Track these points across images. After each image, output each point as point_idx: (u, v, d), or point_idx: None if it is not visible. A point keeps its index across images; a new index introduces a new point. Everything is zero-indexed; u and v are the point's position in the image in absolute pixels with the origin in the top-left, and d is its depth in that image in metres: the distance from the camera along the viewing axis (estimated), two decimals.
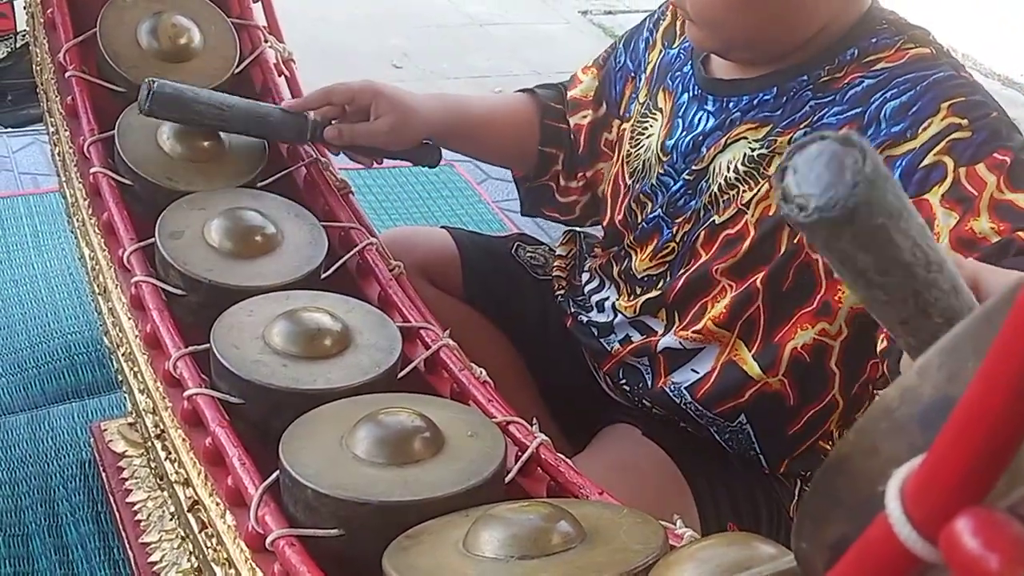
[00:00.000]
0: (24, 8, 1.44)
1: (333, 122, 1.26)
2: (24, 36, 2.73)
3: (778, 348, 1.12)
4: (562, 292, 1.38)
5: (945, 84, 0.99)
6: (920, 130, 0.97)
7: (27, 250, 2.05)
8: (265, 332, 0.93)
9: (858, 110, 1.03)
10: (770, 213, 1.08)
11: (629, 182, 1.25)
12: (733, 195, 1.11)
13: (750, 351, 1.14)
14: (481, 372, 0.98)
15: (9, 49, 2.86)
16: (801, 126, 1.06)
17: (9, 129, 2.66)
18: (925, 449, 0.29)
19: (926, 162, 0.96)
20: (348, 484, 0.74)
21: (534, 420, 0.90)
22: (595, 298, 1.32)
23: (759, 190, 1.09)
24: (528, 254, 1.48)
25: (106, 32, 1.27)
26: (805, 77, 1.08)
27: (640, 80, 1.30)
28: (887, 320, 0.48)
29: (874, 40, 1.06)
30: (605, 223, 1.31)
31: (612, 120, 1.35)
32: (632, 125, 1.27)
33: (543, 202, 1.43)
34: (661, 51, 1.28)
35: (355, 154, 1.31)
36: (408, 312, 1.04)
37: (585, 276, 1.37)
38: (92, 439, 1.48)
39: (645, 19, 1.35)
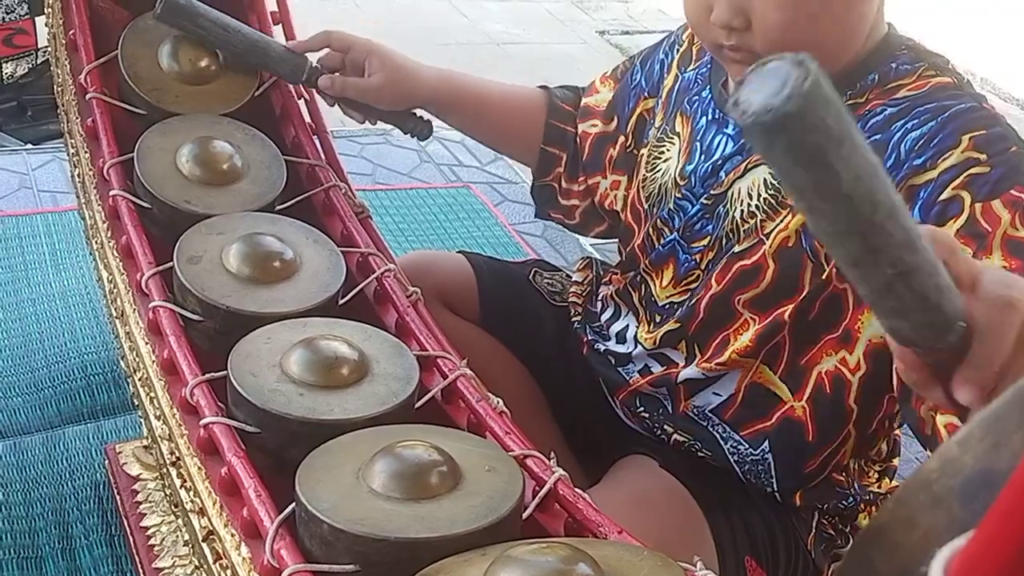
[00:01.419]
0: (46, 26, 1.45)
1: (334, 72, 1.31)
2: (45, 52, 2.76)
3: (805, 370, 1.12)
4: (578, 319, 1.37)
5: (967, 116, 0.99)
6: (940, 160, 0.96)
7: (45, 268, 2.05)
8: (282, 360, 0.92)
9: (879, 137, 1.02)
10: (789, 244, 1.07)
11: (646, 206, 1.25)
12: (753, 224, 1.10)
13: (775, 373, 1.14)
14: (498, 402, 0.98)
15: (31, 65, 2.89)
16: None
17: (29, 145, 2.68)
18: (965, 523, 0.28)
19: (944, 196, 0.95)
20: (365, 519, 0.73)
21: (552, 454, 0.89)
22: (613, 328, 1.31)
23: (780, 221, 1.08)
24: (545, 280, 1.47)
25: (127, 54, 1.28)
26: None
27: (657, 104, 1.30)
28: (840, 259, 0.52)
29: (894, 65, 1.05)
30: (627, 248, 1.30)
31: (619, 136, 1.34)
32: (648, 150, 1.27)
33: (549, 203, 1.44)
34: (677, 76, 1.27)
35: (347, 108, 1.35)
36: (425, 340, 1.04)
37: (599, 304, 1.36)
38: (107, 461, 1.48)
39: (663, 40, 1.34)
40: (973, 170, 0.94)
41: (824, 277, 1.06)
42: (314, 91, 1.37)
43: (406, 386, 0.92)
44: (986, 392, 0.64)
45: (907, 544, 0.29)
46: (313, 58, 1.34)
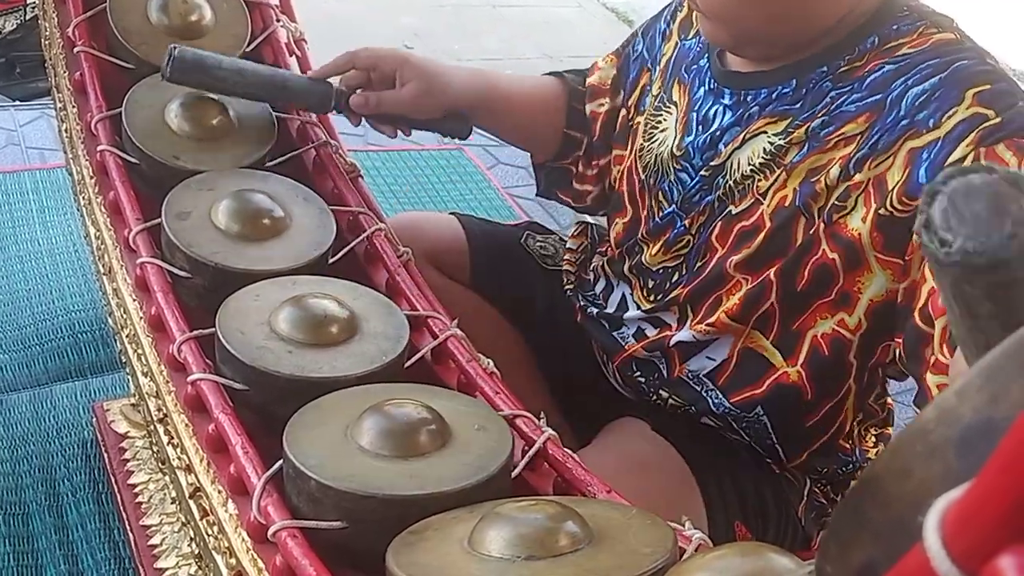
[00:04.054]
0: None
1: (358, 91, 1.25)
2: (34, 8, 2.72)
3: (799, 335, 1.11)
4: (571, 286, 1.36)
5: (970, 71, 0.97)
6: (944, 118, 0.95)
7: (33, 226, 2.04)
8: (271, 318, 0.91)
9: (879, 96, 1.00)
10: (786, 204, 1.06)
11: (643, 176, 1.23)
12: (749, 184, 1.09)
13: (768, 338, 1.13)
14: (488, 363, 0.97)
15: (19, 21, 2.85)
16: (819, 115, 1.04)
17: (17, 102, 2.65)
18: (961, 474, 0.28)
19: (956, 155, 0.93)
20: (352, 476, 0.73)
21: (541, 414, 0.89)
22: (611, 298, 1.30)
23: (776, 179, 1.07)
24: (538, 243, 1.46)
25: (116, 7, 1.25)
26: (825, 68, 1.05)
27: (655, 72, 1.28)
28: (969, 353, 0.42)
29: (895, 27, 1.04)
30: (622, 219, 1.29)
31: (621, 109, 1.33)
32: (645, 119, 1.25)
33: (559, 185, 1.42)
34: (677, 43, 1.25)
35: (380, 123, 1.29)
36: (416, 300, 1.03)
37: (592, 275, 1.35)
38: (94, 419, 1.48)
39: (664, 9, 1.32)
40: (983, 126, 0.93)
41: (812, 233, 1.05)
42: (304, 45, 1.35)
43: (396, 345, 0.92)
44: None
45: (902, 494, 0.29)
46: (335, 80, 1.27)
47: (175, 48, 1.14)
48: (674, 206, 1.18)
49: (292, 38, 1.36)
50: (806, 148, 1.05)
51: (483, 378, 0.93)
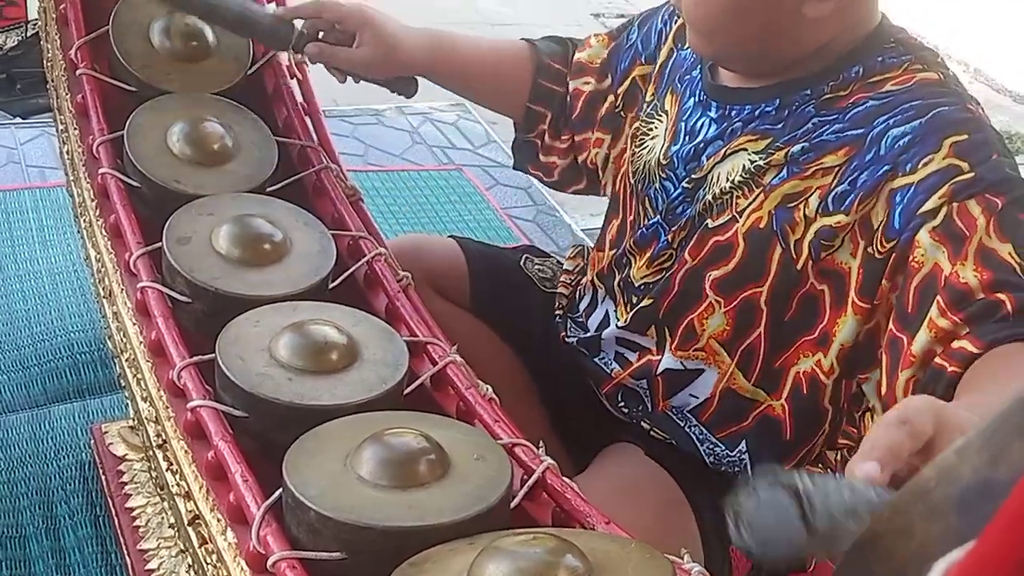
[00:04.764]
0: (38, 9, 1.43)
1: (320, 35, 1.29)
2: (35, 25, 2.72)
3: (781, 371, 1.11)
4: (560, 312, 1.37)
5: (949, 118, 0.98)
6: (920, 164, 0.96)
7: (32, 245, 2.04)
8: (271, 344, 0.92)
9: (860, 131, 1.01)
10: (761, 226, 1.07)
11: (632, 181, 1.24)
12: (727, 200, 1.10)
13: (748, 380, 1.13)
14: (488, 389, 0.97)
15: (20, 38, 2.86)
16: (800, 141, 1.05)
17: (18, 119, 2.65)
18: (962, 534, 0.28)
19: (928, 206, 0.94)
20: (352, 507, 0.73)
21: (540, 443, 0.89)
22: (592, 318, 1.30)
23: (754, 198, 1.07)
24: (536, 267, 1.46)
25: (119, 30, 1.26)
26: (808, 91, 1.06)
27: (651, 74, 1.29)
28: None
29: (880, 59, 1.04)
30: (616, 221, 1.30)
31: (609, 94, 1.33)
32: (638, 125, 1.26)
33: (528, 159, 1.43)
34: (672, 50, 1.26)
35: (331, 71, 1.33)
36: (415, 326, 1.03)
37: (579, 293, 1.35)
38: (92, 441, 1.47)
39: (663, 6, 1.32)
40: (957, 179, 0.94)
41: (798, 268, 1.05)
42: (306, 68, 1.36)
43: (395, 372, 0.92)
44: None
45: (903, 553, 0.29)
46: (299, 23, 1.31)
47: None
48: (659, 216, 1.19)
49: (293, 61, 1.37)
50: (785, 172, 1.05)
51: (482, 405, 0.93)
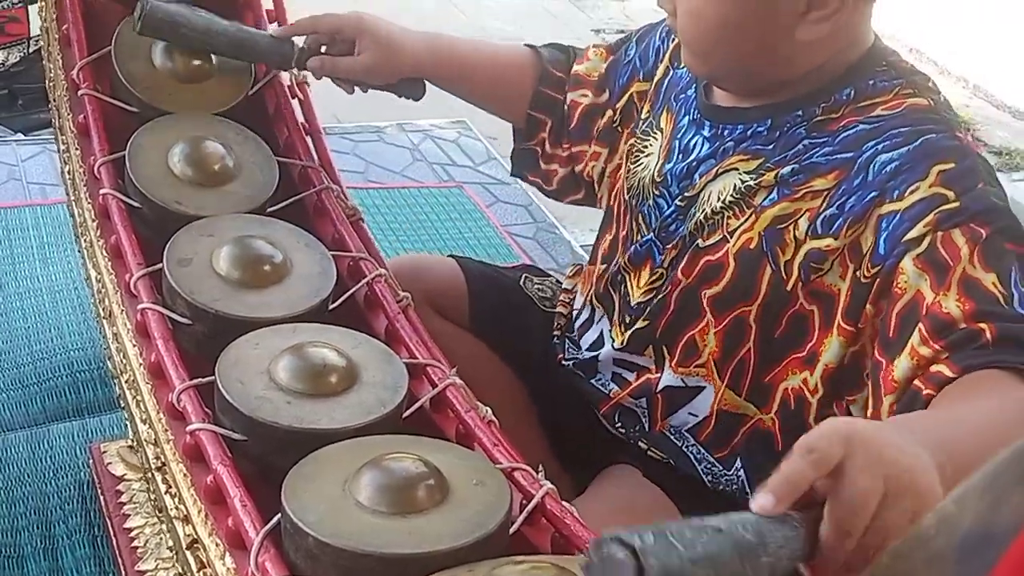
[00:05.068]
0: (39, 14, 1.43)
1: (322, 49, 1.30)
2: (37, 41, 2.73)
3: (770, 387, 1.11)
4: (559, 333, 1.37)
5: (937, 145, 0.98)
6: (907, 192, 0.97)
7: (33, 262, 2.04)
8: (271, 367, 0.92)
9: (849, 154, 1.02)
10: (751, 247, 1.07)
11: (627, 198, 1.25)
12: (719, 220, 1.11)
13: (739, 394, 1.14)
14: (487, 411, 0.97)
15: (22, 54, 2.87)
16: (791, 162, 1.06)
17: (19, 135, 2.66)
18: None
19: (913, 234, 0.95)
20: (350, 533, 0.73)
21: (540, 467, 0.89)
22: (585, 337, 1.30)
23: (745, 220, 1.08)
24: (536, 286, 1.46)
25: (121, 51, 1.26)
26: (800, 112, 1.07)
27: (648, 91, 1.29)
28: None
29: (872, 82, 1.05)
30: (609, 235, 1.30)
31: (608, 109, 1.33)
32: (634, 141, 1.27)
33: (528, 167, 1.43)
34: (668, 69, 1.27)
35: (338, 83, 1.35)
36: (415, 348, 1.03)
37: (575, 311, 1.35)
38: (91, 460, 1.47)
39: (661, 23, 1.32)
40: (942, 208, 0.94)
41: (788, 289, 1.05)
42: (307, 88, 1.37)
43: (394, 395, 0.92)
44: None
45: None
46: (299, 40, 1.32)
47: (146, 4, 1.19)
48: (652, 233, 1.19)
49: (295, 81, 1.37)
50: (775, 194, 1.06)
51: (481, 428, 0.93)
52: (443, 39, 1.38)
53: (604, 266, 1.29)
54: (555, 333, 1.37)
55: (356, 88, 1.36)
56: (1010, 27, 6.15)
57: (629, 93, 1.31)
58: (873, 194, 0.99)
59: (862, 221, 0.99)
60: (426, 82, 1.38)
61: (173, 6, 1.22)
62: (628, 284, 1.23)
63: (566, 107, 1.36)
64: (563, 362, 1.32)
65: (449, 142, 2.82)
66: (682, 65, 1.23)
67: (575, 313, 1.35)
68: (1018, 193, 3.65)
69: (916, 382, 0.90)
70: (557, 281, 1.48)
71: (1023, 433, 0.78)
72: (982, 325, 0.89)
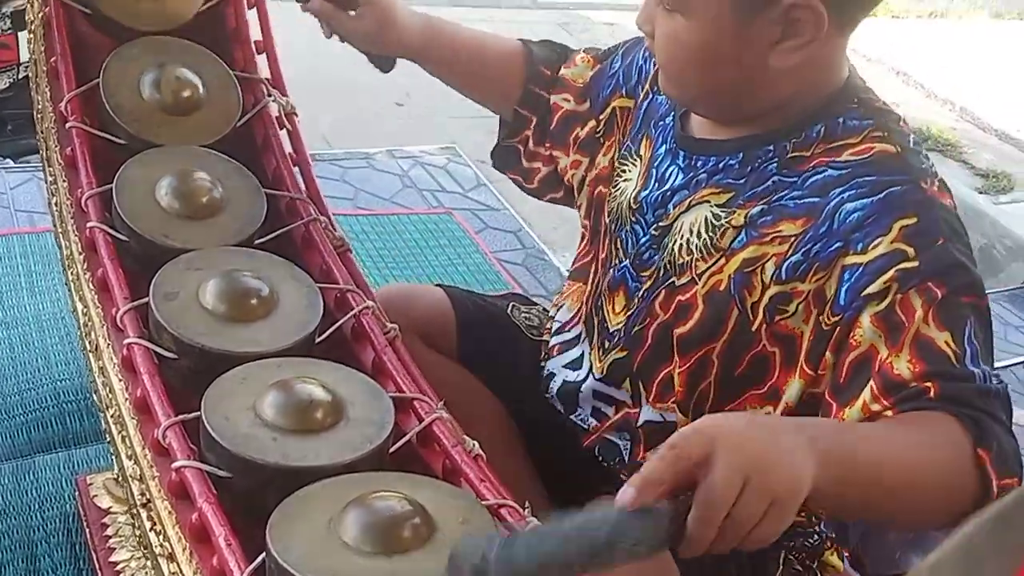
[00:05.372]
0: (27, 45, 1.43)
1: None
2: (26, 68, 2.73)
3: None
4: (545, 361, 1.37)
5: (902, 199, 0.99)
6: (871, 245, 0.98)
7: (20, 291, 2.03)
8: (257, 403, 0.92)
9: (816, 200, 1.03)
10: (720, 288, 1.08)
11: (607, 221, 1.26)
12: (689, 261, 1.12)
13: None
14: (474, 445, 0.97)
15: (11, 80, 2.87)
16: (760, 201, 1.07)
17: (8, 161, 2.66)
18: None
19: (872, 289, 0.97)
20: (335, 573, 0.73)
21: (527, 504, 0.88)
22: (567, 352, 1.31)
23: (714, 263, 1.09)
24: (523, 315, 1.47)
25: (109, 83, 1.27)
26: (771, 147, 1.08)
27: (630, 112, 1.29)
28: None
29: (842, 120, 1.05)
30: (583, 254, 1.31)
31: (590, 119, 1.34)
32: (617, 165, 1.27)
33: (510, 164, 1.44)
34: (649, 94, 1.27)
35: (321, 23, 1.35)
36: (402, 381, 1.03)
37: (559, 322, 1.35)
38: (77, 492, 1.46)
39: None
40: (902, 265, 0.96)
41: (753, 330, 1.06)
42: (295, 118, 1.37)
43: (380, 431, 0.92)
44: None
45: None
46: None
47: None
48: (628, 260, 1.20)
49: (283, 112, 1.37)
50: (744, 236, 1.07)
51: (468, 464, 0.93)
52: (439, 25, 1.39)
53: (583, 286, 1.30)
54: (542, 363, 1.38)
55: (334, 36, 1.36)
56: (997, 51, 6.22)
57: (612, 106, 1.32)
58: (838, 244, 1.00)
59: (827, 269, 1.01)
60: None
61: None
62: (606, 308, 1.24)
63: (549, 107, 1.37)
64: (546, 395, 1.32)
65: (438, 168, 2.83)
66: (662, 91, 1.23)
67: (557, 326, 1.36)
68: (1004, 216, 3.67)
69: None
70: (544, 309, 1.48)
71: (937, 459, 0.86)
72: (928, 384, 0.92)
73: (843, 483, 0.81)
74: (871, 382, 0.95)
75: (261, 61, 1.40)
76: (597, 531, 0.66)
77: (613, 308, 1.23)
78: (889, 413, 0.93)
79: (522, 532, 0.64)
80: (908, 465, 0.87)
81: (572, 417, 1.28)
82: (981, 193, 4.53)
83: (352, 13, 1.30)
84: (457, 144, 3.05)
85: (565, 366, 1.31)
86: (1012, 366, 2.47)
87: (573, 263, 1.37)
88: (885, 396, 0.94)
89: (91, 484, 1.44)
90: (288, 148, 1.35)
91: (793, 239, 1.03)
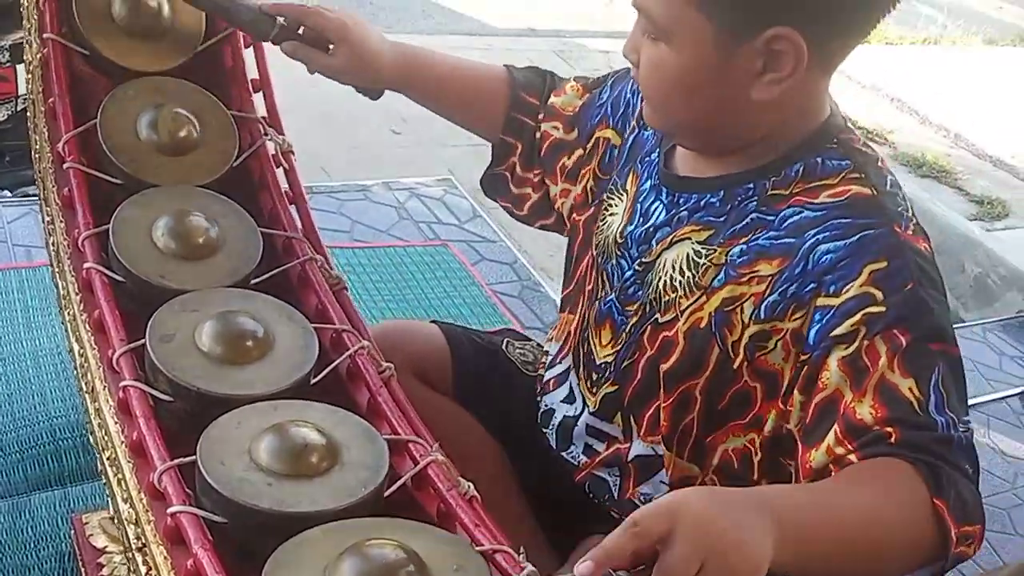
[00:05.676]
0: (26, 84, 1.44)
1: (300, 30, 1.32)
2: (25, 100, 2.75)
3: (709, 449, 1.14)
4: (540, 397, 1.37)
5: (874, 244, 1.01)
6: (842, 289, 0.99)
7: (17, 327, 2.03)
8: (252, 447, 0.92)
9: (792, 240, 1.04)
10: (700, 326, 1.10)
11: (595, 254, 1.27)
12: (673, 298, 1.13)
13: (683, 458, 1.17)
14: (468, 487, 0.97)
15: (10, 112, 2.88)
16: (740, 241, 1.08)
17: (6, 192, 2.66)
18: None
19: (840, 331, 0.98)
20: None
21: (521, 549, 0.88)
22: (558, 390, 1.32)
23: (695, 300, 1.10)
24: (518, 350, 1.47)
25: (106, 123, 1.27)
26: (752, 185, 1.09)
27: (616, 146, 1.30)
28: None
29: (820, 159, 1.07)
30: (576, 290, 1.32)
31: (578, 148, 1.35)
32: (604, 198, 1.28)
33: (499, 191, 1.45)
34: (635, 129, 1.28)
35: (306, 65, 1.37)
36: (397, 423, 1.04)
37: (550, 356, 1.36)
38: (73, 532, 1.46)
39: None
40: (869, 309, 0.98)
41: (734, 367, 1.08)
42: (292, 157, 1.38)
43: (375, 476, 0.92)
44: None
45: None
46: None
47: None
48: (614, 294, 1.21)
49: (280, 150, 1.38)
50: (723, 275, 1.08)
51: (463, 508, 0.93)
52: (422, 56, 1.41)
53: (571, 315, 1.31)
54: (539, 399, 1.38)
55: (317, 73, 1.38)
56: (990, 77, 6.26)
57: (596, 136, 1.33)
58: (812, 285, 1.02)
59: (803, 309, 1.02)
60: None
61: None
62: (592, 341, 1.25)
63: (538, 135, 1.39)
64: (545, 429, 1.33)
65: (435, 200, 2.84)
66: (649, 128, 1.24)
67: (549, 359, 1.36)
68: (998, 244, 3.69)
69: (829, 467, 0.96)
70: (538, 345, 1.49)
71: (896, 513, 0.89)
72: (889, 429, 0.94)
73: (804, 553, 0.84)
74: (835, 425, 0.96)
75: (258, 98, 1.41)
76: None
77: (600, 341, 1.24)
78: (853, 457, 0.94)
79: None
80: (868, 522, 0.89)
81: (563, 454, 1.29)
82: (976, 220, 4.55)
83: (329, 50, 1.32)
84: (454, 171, 3.07)
85: (562, 401, 1.31)
86: (1007, 397, 2.48)
87: (564, 292, 1.38)
88: (848, 440, 0.95)
89: (87, 523, 1.44)
90: (285, 186, 1.36)
91: (770, 279, 1.05)
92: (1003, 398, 2.47)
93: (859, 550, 0.88)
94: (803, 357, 1.01)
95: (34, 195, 2.43)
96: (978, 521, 0.93)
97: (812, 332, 1.00)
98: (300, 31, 1.32)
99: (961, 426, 0.96)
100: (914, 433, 0.94)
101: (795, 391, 1.02)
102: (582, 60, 4.94)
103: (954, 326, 1.03)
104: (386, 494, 0.94)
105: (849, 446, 0.95)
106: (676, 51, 1.04)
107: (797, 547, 0.81)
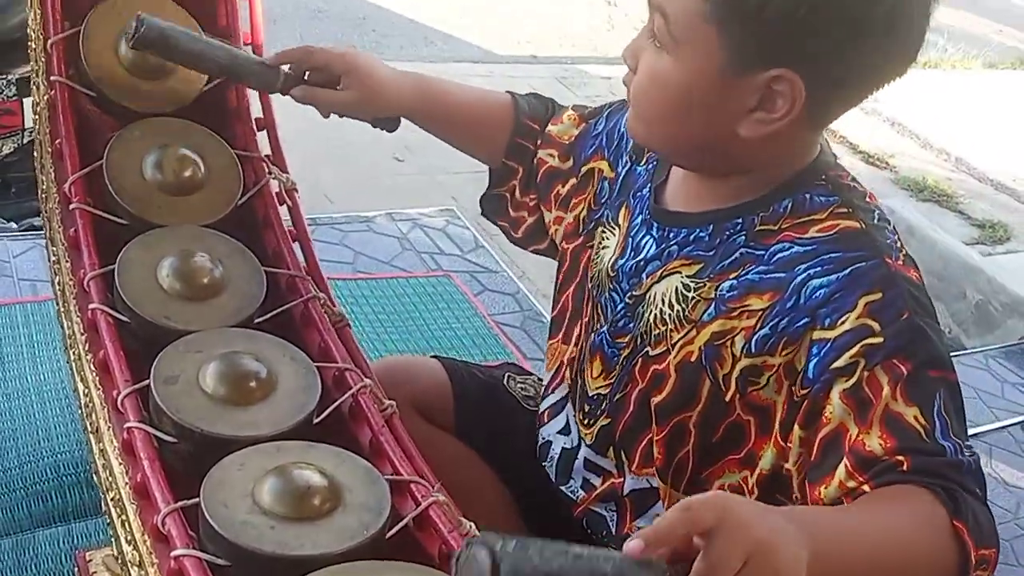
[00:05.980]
0: (33, 124, 1.46)
1: (306, 76, 1.34)
2: (31, 133, 2.77)
3: (706, 483, 1.15)
4: (539, 431, 1.38)
5: (866, 277, 1.01)
6: (839, 321, 1.00)
7: (22, 362, 2.03)
8: (255, 489, 0.93)
9: (783, 275, 1.05)
10: (691, 359, 1.11)
11: (590, 286, 1.28)
12: (663, 331, 1.14)
13: (679, 490, 1.17)
14: (470, 527, 0.98)
15: (16, 145, 2.91)
16: (729, 276, 1.09)
17: (12, 224, 2.68)
18: None
19: (839, 364, 0.99)
20: None
21: None
22: (553, 420, 1.32)
23: (686, 333, 1.11)
24: (519, 385, 1.48)
25: (112, 165, 1.29)
26: (740, 220, 1.10)
27: (609, 178, 1.31)
28: None
29: (809, 195, 1.07)
30: (572, 321, 1.32)
31: (572, 177, 1.36)
32: (598, 232, 1.29)
33: (497, 212, 1.47)
34: (628, 163, 1.29)
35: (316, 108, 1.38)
36: (399, 463, 1.04)
37: (544, 385, 1.37)
38: (76, 569, 1.46)
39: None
40: (867, 340, 0.98)
41: (727, 400, 1.08)
42: (296, 194, 1.40)
43: (377, 518, 0.93)
44: None
45: None
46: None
47: (141, 21, 1.23)
48: (606, 326, 1.22)
49: (284, 188, 1.40)
50: (713, 309, 1.09)
51: None
52: (432, 84, 1.43)
53: (566, 346, 1.32)
54: (538, 431, 1.39)
55: (332, 114, 1.39)
56: (990, 100, 6.28)
57: (589, 166, 1.34)
58: (805, 319, 1.02)
59: (796, 343, 1.03)
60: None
61: (167, 24, 1.26)
62: (586, 373, 1.26)
63: (535, 161, 1.40)
64: (544, 463, 1.34)
65: (437, 230, 2.86)
66: (642, 163, 1.25)
67: (543, 389, 1.37)
68: (1000, 270, 3.69)
69: (842, 501, 0.97)
70: (539, 379, 1.50)
71: (918, 534, 0.89)
72: (900, 458, 0.94)
73: (832, 572, 0.83)
74: (844, 460, 0.97)
75: (261, 135, 1.43)
76: (603, 564, 0.68)
77: (592, 373, 1.25)
78: (866, 487, 0.94)
79: (535, 541, 0.67)
80: (892, 544, 0.89)
81: (563, 488, 1.29)
82: (977, 243, 4.55)
83: (338, 88, 1.34)
84: (457, 198, 3.08)
85: (559, 433, 1.32)
86: (1010, 426, 2.47)
87: (555, 321, 1.39)
88: (860, 473, 0.95)
89: (90, 560, 1.45)
90: (288, 224, 1.37)
91: (760, 313, 1.05)
92: (1005, 427, 2.46)
93: (884, 571, 0.89)
94: (802, 392, 1.01)
95: (39, 227, 2.46)
96: (994, 545, 0.93)
97: (811, 366, 1.01)
98: (306, 76, 1.34)
99: (967, 450, 0.97)
100: (925, 459, 0.94)
101: (795, 426, 1.02)
102: (584, 86, 4.97)
103: (955, 353, 1.04)
104: (388, 535, 0.95)
105: (861, 478, 0.95)
106: (678, 64, 1.03)
107: (826, 565, 0.81)
